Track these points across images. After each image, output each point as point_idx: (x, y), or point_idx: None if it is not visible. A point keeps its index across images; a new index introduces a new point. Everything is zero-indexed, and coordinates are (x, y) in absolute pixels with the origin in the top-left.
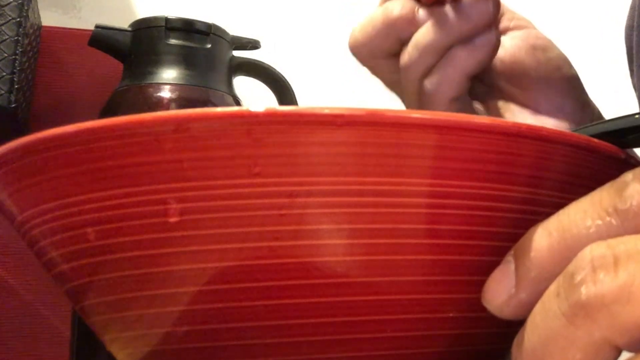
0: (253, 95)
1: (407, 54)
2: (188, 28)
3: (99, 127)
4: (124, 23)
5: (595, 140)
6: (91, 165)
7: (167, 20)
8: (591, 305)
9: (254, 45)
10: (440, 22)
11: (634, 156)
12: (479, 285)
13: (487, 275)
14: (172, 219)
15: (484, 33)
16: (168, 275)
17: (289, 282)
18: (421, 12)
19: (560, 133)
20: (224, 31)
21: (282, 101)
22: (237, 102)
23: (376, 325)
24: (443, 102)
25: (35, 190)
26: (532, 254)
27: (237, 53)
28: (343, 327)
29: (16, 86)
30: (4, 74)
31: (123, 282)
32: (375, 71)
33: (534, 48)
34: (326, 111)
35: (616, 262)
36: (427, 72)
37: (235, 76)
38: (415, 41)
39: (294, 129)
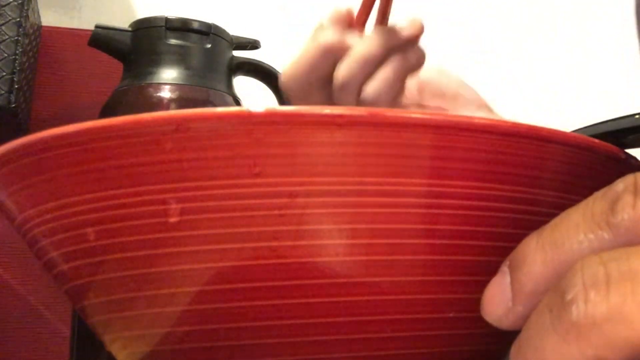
0: (253, 95)
1: (347, 68)
2: (188, 28)
3: (99, 127)
4: (124, 23)
5: (595, 140)
6: (91, 165)
7: (167, 20)
8: (582, 324)
9: (254, 45)
10: (376, 38)
11: (634, 156)
12: (479, 285)
13: (487, 275)
14: (172, 219)
15: (413, 47)
16: (168, 275)
17: (289, 282)
18: (351, 37)
19: (560, 133)
20: (224, 31)
21: (282, 101)
22: (237, 102)
23: (376, 325)
24: (385, 106)
25: (35, 190)
26: (527, 268)
27: (237, 53)
28: (343, 327)
29: (16, 86)
30: (4, 74)
31: (123, 282)
32: (308, 103)
33: (439, 72)
34: (326, 111)
35: (608, 280)
36: (365, 82)
37: (235, 76)
38: (354, 55)
39: (294, 129)
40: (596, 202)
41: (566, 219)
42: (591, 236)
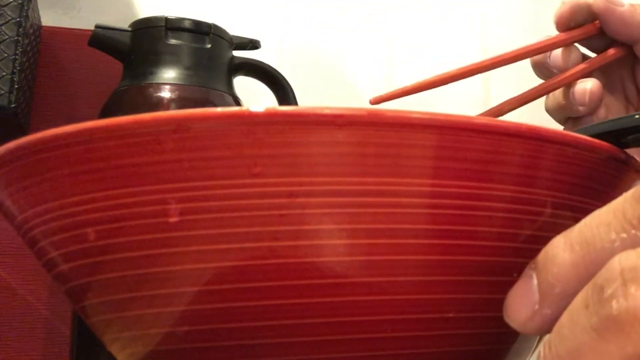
0: (253, 95)
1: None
2: (188, 28)
3: (99, 127)
4: (124, 23)
5: (596, 140)
6: (91, 165)
7: (167, 20)
8: (623, 320)
9: (254, 45)
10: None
11: (633, 156)
12: (479, 285)
13: (487, 276)
14: (172, 219)
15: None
16: (168, 275)
17: (289, 282)
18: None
19: (560, 133)
20: (224, 31)
21: (282, 101)
22: (237, 102)
23: (376, 325)
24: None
25: (35, 190)
26: (556, 269)
27: (237, 53)
28: (343, 327)
29: (16, 86)
30: (4, 74)
31: (123, 282)
32: None
33: None
34: (326, 111)
35: None
36: None
37: (235, 76)
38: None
39: (294, 129)
40: (627, 202)
41: (596, 219)
42: (624, 235)
